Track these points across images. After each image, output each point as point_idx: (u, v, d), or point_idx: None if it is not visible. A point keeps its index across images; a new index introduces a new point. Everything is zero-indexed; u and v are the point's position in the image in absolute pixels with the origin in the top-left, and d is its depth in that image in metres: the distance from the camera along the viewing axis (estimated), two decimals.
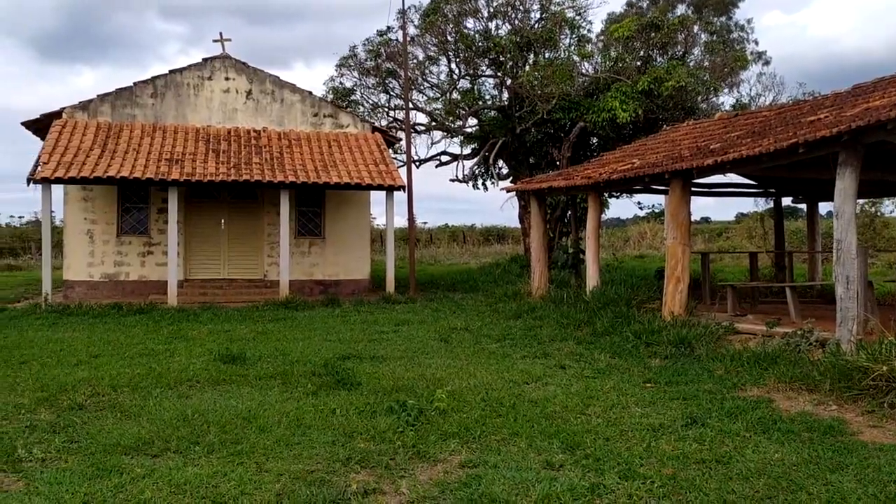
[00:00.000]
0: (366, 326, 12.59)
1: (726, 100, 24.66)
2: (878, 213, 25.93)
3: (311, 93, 19.33)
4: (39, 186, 15.35)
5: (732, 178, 15.42)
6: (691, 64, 21.83)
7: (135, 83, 18.08)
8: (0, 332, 11.85)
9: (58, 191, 16.61)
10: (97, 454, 5.44)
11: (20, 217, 47.17)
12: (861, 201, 24.52)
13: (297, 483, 4.85)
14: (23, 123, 17.80)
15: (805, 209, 18.23)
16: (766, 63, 24.33)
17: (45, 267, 15.78)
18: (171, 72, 18.31)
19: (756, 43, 24.61)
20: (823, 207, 17.56)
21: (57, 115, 17.45)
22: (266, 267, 18.50)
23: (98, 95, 17.83)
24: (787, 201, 18.44)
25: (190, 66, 18.42)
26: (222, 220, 18.31)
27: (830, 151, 8.66)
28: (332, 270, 18.85)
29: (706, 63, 22.18)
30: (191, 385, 7.88)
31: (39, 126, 17.88)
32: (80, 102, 17.68)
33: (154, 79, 18.21)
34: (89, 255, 17.41)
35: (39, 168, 15.36)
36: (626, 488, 4.75)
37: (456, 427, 6.13)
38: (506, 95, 23.22)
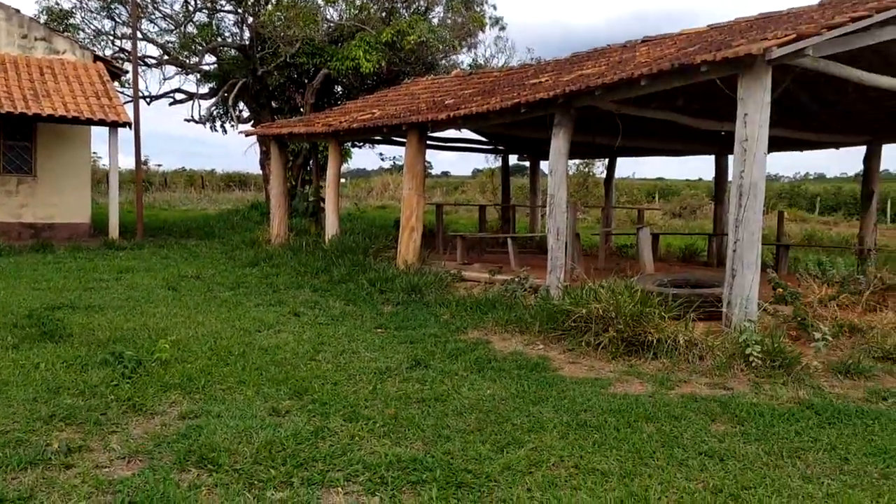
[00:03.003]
0: (82, 274, 11.55)
1: (464, 58, 25.74)
2: (591, 174, 28.73)
3: (18, 10, 17.01)
4: None
5: (468, 134, 16.21)
6: (434, 21, 22.37)
7: None
8: None
9: None
10: None
11: None
12: (577, 162, 27.06)
13: None
14: None
15: (529, 166, 19.69)
16: (503, 28, 25.62)
17: None
18: None
19: (494, 8, 25.86)
20: (545, 166, 19.09)
21: None
22: None
23: None
24: (514, 159, 19.77)
25: None
26: None
27: (548, 112, 9.38)
28: (45, 213, 16.98)
29: (448, 21, 22.85)
30: None
31: None
32: None
33: None
34: None
35: None
36: (349, 430, 4.86)
37: (178, 378, 5.85)
38: (247, 34, 22.19)
